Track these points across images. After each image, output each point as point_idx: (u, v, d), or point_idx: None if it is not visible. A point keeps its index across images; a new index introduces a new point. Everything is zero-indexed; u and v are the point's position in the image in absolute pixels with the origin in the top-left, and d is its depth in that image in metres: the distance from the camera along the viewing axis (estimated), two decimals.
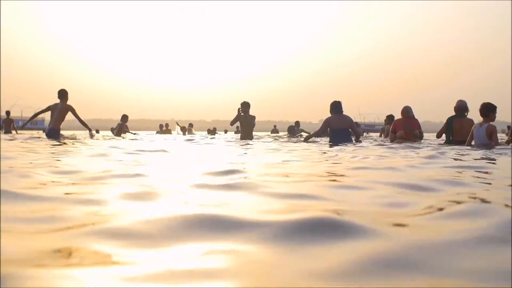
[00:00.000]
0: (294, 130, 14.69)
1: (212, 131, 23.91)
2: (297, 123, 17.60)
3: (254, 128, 10.53)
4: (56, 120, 9.14)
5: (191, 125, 23.72)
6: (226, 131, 31.67)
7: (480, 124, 6.71)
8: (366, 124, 62.38)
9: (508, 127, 21.01)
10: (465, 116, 7.75)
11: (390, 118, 12.07)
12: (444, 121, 7.93)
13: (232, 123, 10.53)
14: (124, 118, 15.14)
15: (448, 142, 7.67)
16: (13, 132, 16.79)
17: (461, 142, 7.49)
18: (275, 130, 31.34)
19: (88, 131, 9.54)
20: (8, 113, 17.10)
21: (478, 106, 6.88)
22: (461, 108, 7.73)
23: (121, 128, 14.80)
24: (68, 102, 9.24)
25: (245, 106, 10.46)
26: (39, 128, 56.52)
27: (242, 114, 10.43)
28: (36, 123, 64.36)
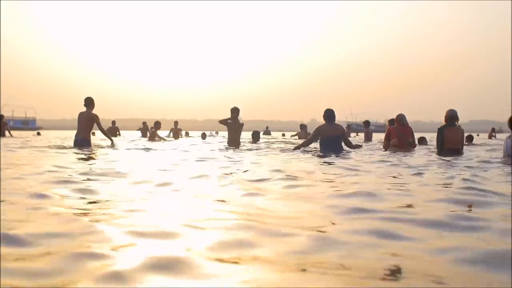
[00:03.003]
0: (258, 136, 14.17)
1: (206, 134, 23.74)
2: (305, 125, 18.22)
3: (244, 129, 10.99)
4: (84, 129, 8.89)
5: (176, 122, 23.11)
6: (217, 132, 31.42)
7: (509, 137, 6.47)
8: (357, 124, 62.52)
9: None
10: (456, 125, 7.96)
11: (391, 122, 11.56)
12: (435, 121, 8.04)
13: (221, 121, 10.61)
14: (157, 124, 15.48)
15: (440, 150, 7.86)
16: (7, 134, 16.77)
17: (452, 151, 7.67)
18: (267, 132, 30.56)
19: (110, 142, 9.63)
20: (1, 116, 17.07)
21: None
22: (452, 117, 7.93)
23: (153, 134, 15.24)
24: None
25: (235, 112, 10.58)
26: (30, 128, 56.09)
27: (230, 120, 10.58)
28: (27, 123, 63.81)
